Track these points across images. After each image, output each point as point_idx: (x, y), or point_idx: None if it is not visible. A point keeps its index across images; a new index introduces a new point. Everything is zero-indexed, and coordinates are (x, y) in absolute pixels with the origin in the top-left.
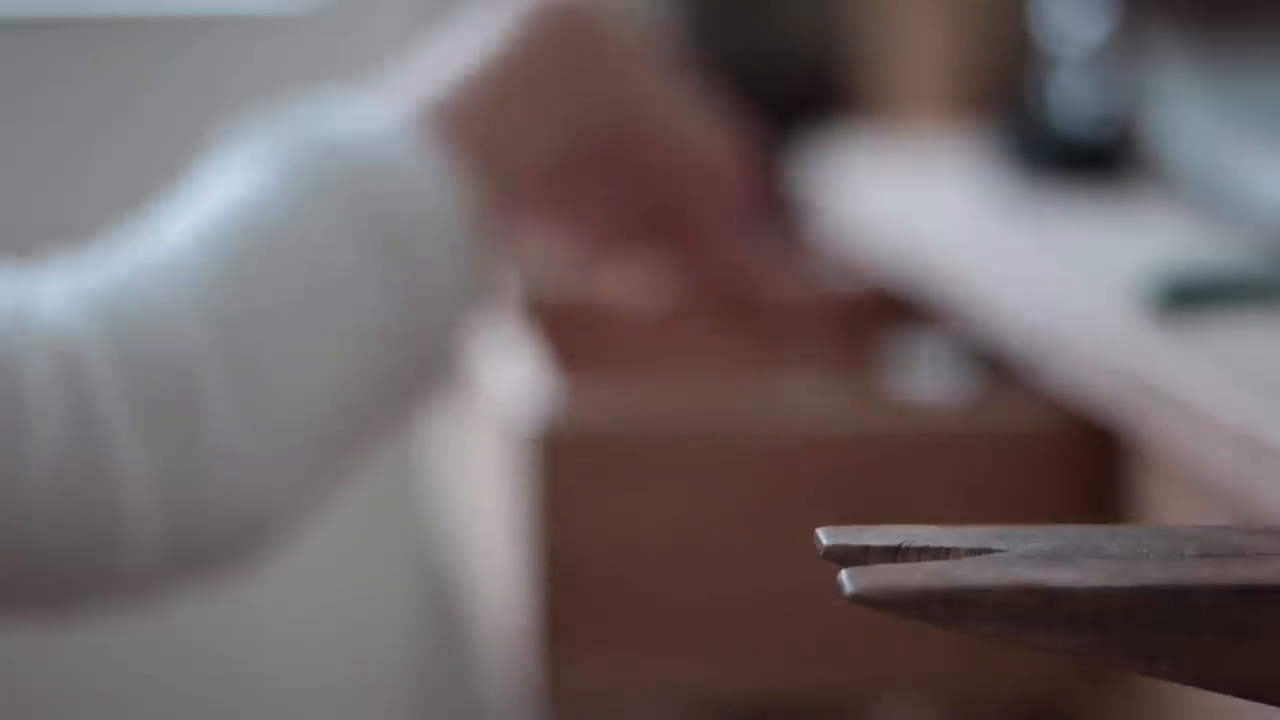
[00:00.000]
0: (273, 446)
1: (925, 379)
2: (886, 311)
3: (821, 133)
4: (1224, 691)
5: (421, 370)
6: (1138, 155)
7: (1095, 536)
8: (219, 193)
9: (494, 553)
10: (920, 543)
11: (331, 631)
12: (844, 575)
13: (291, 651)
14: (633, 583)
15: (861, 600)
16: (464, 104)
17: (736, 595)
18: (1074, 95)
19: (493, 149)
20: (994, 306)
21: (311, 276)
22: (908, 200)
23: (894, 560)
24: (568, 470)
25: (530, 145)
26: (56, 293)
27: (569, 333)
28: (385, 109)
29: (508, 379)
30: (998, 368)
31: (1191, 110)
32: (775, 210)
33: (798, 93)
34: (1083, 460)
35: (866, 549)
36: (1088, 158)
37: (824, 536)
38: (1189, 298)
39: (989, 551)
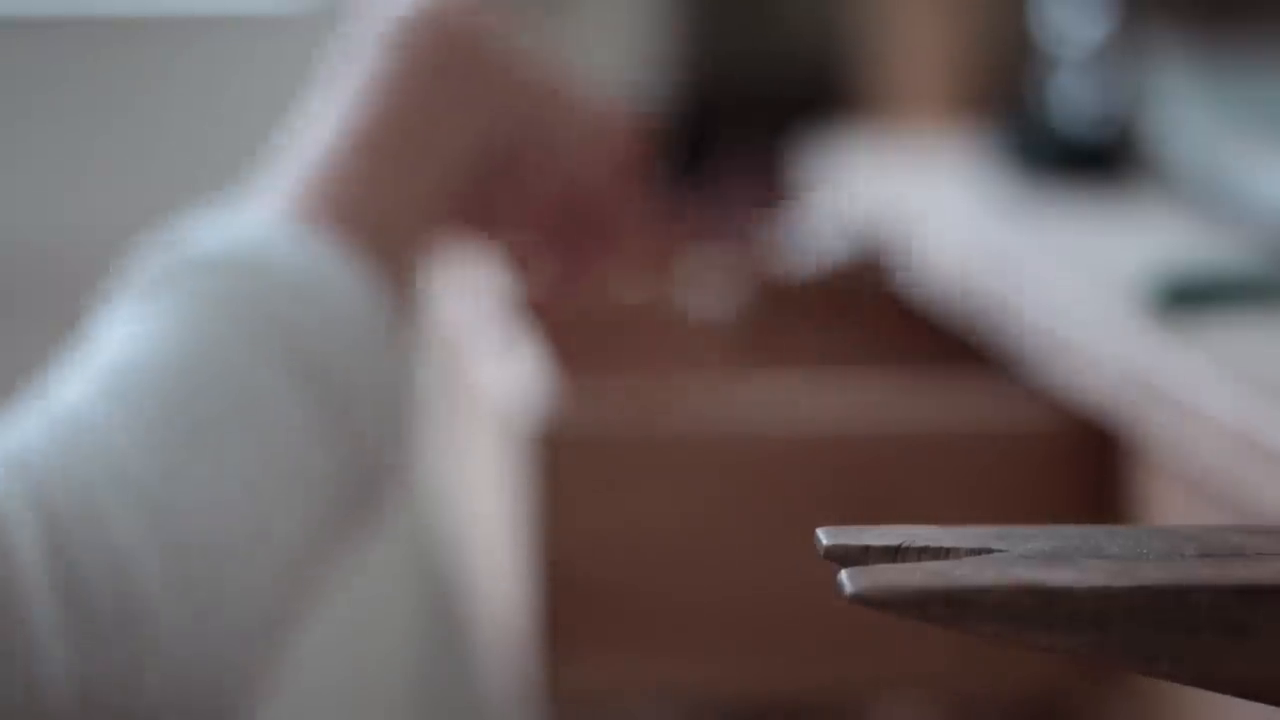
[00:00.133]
0: (216, 630)
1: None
2: (887, 311)
3: (821, 133)
4: (1224, 691)
5: (361, 494)
6: (1138, 155)
7: (1095, 536)
8: (123, 341)
9: (494, 553)
10: (920, 543)
11: (331, 631)
12: (844, 575)
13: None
14: (632, 583)
15: (861, 600)
16: (343, 178)
17: (736, 595)
18: (1074, 95)
19: (383, 219)
20: (994, 306)
21: (233, 419)
22: (908, 200)
23: (894, 560)
24: (567, 471)
25: (422, 192)
26: None
27: (568, 333)
28: (267, 211)
29: (508, 379)
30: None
31: (1191, 110)
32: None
33: (798, 93)
34: (1083, 460)
35: (866, 549)
36: (1088, 158)
37: (824, 536)
38: (1189, 298)
39: (989, 551)
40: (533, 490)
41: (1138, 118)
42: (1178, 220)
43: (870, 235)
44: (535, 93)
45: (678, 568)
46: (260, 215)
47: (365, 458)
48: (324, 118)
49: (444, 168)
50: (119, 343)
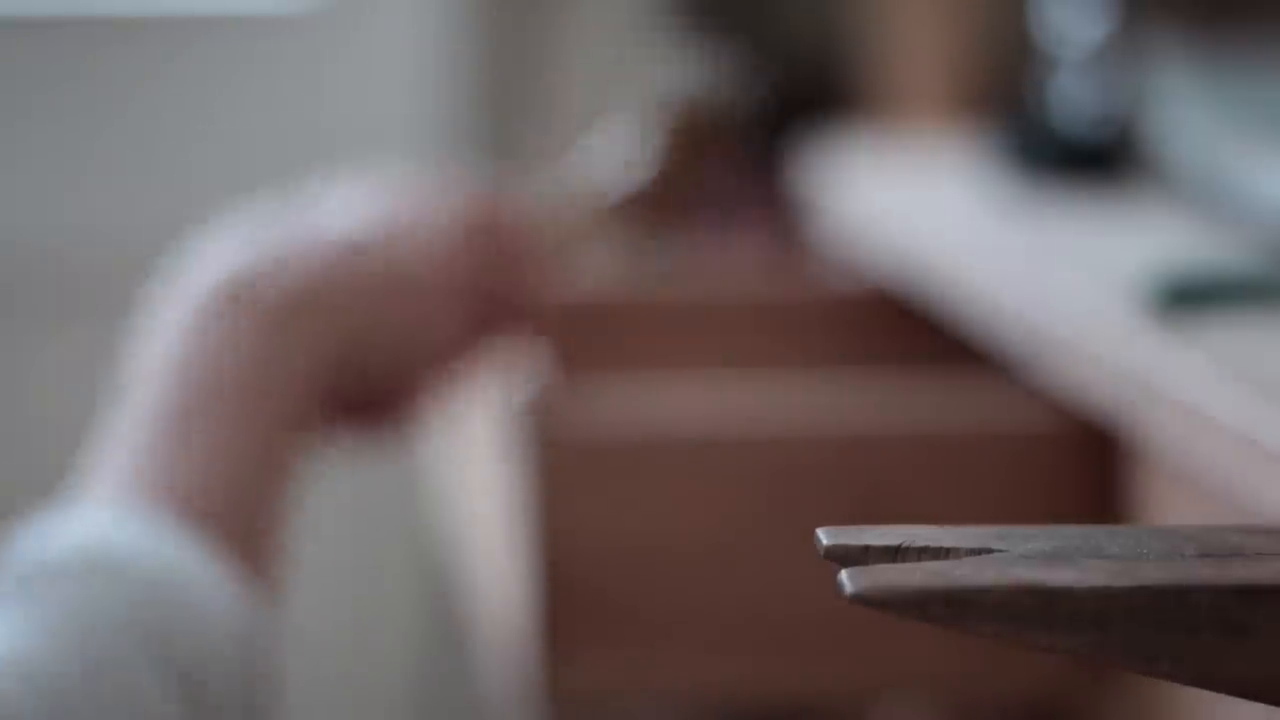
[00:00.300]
0: None
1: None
2: (886, 311)
3: (821, 133)
4: (1224, 691)
5: None
6: (1138, 155)
7: (1095, 536)
8: None
9: (494, 553)
10: (920, 543)
11: (331, 631)
12: (844, 575)
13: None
14: (631, 584)
15: (861, 600)
16: (175, 457)
17: (735, 596)
18: (1074, 95)
19: (223, 486)
20: (994, 306)
21: None
22: (908, 200)
23: (894, 560)
24: (567, 471)
25: (261, 448)
26: None
27: (569, 334)
28: (107, 504)
29: (508, 380)
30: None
31: (1191, 110)
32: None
33: (798, 93)
34: (1083, 460)
35: (866, 549)
36: (1088, 158)
37: (824, 536)
38: (1189, 298)
39: (989, 551)
40: (532, 491)
41: (1138, 118)
42: (1178, 220)
43: (870, 236)
44: (371, 300)
45: (677, 568)
46: (101, 510)
47: None
48: (144, 395)
49: (284, 414)
50: None
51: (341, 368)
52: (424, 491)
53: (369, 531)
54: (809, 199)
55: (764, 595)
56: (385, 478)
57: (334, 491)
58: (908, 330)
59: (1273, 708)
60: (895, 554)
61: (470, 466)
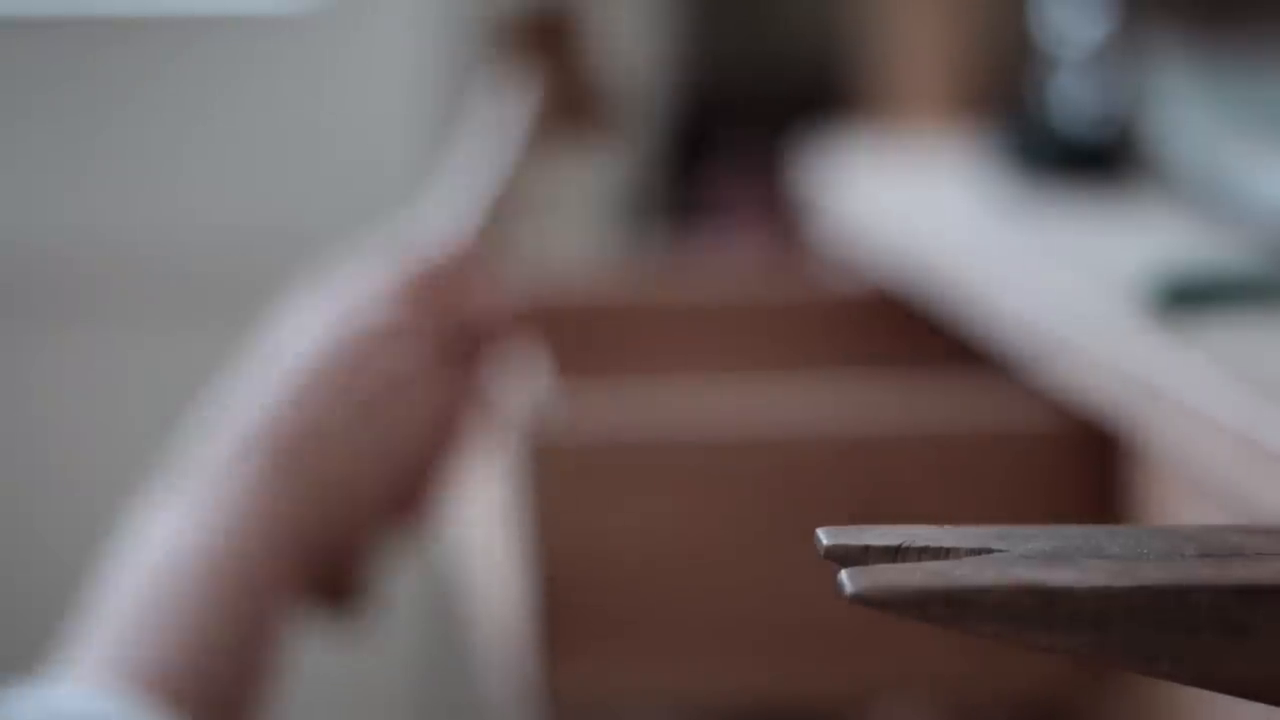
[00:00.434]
0: None
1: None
2: (887, 312)
3: (821, 133)
4: (1224, 691)
5: None
6: (1138, 155)
7: (1095, 536)
8: None
9: (494, 554)
10: (920, 543)
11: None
12: (844, 575)
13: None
14: (631, 585)
15: (861, 600)
16: (157, 639)
17: (734, 597)
18: (1074, 95)
19: (209, 669)
20: (994, 306)
21: None
22: (908, 200)
23: (894, 560)
24: (567, 474)
25: (245, 627)
26: None
27: (568, 337)
28: (90, 682)
29: (508, 383)
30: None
31: (1191, 110)
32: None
33: (798, 93)
34: (1083, 461)
35: (867, 549)
36: (1088, 158)
37: (824, 536)
38: (1189, 298)
39: (989, 551)
40: (532, 493)
41: (1138, 118)
42: (1178, 220)
43: (870, 236)
44: (359, 424)
45: (676, 571)
46: (83, 688)
47: None
48: (133, 574)
49: (268, 590)
50: None
51: (350, 495)
52: None
53: None
54: (809, 199)
55: (763, 597)
56: None
57: None
58: (908, 331)
59: (1273, 708)
60: (895, 554)
61: (470, 469)
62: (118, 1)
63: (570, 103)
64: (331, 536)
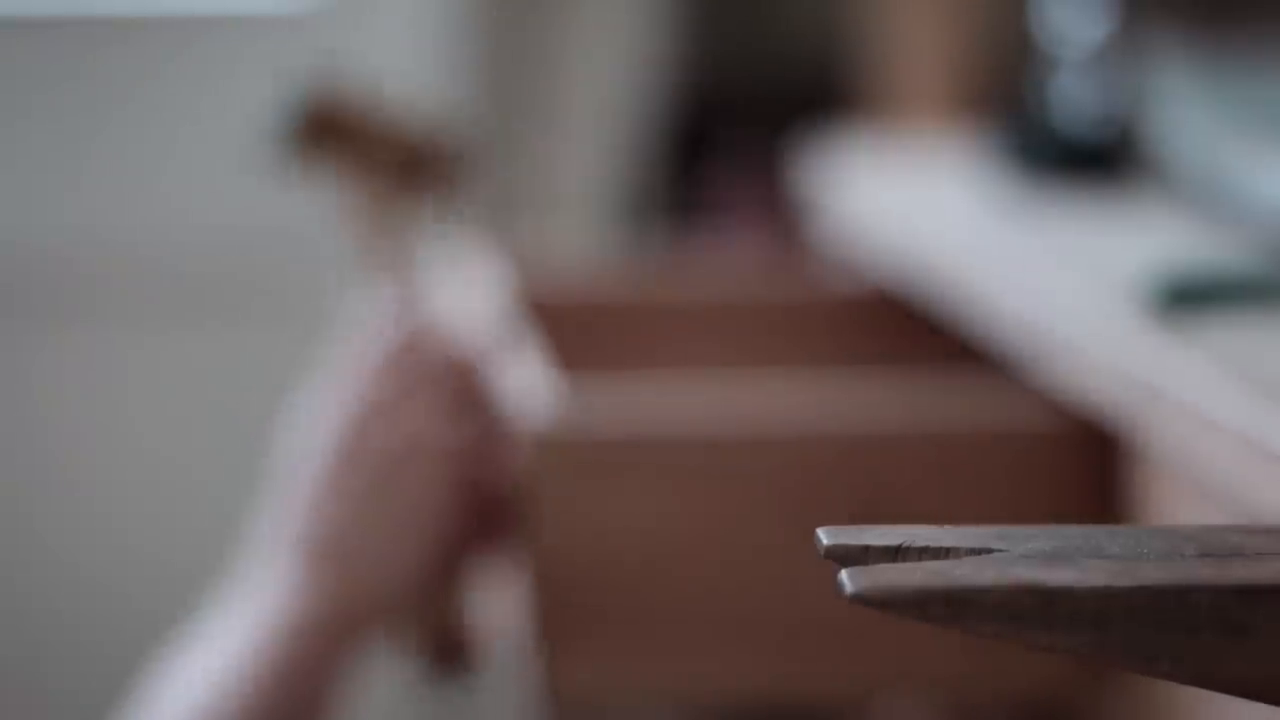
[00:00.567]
0: None
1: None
2: (887, 311)
3: (821, 133)
4: (1224, 691)
5: None
6: (1138, 155)
7: (1095, 536)
8: None
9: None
10: (920, 543)
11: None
12: (844, 575)
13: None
14: (632, 583)
15: (861, 600)
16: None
17: (737, 596)
18: (1074, 95)
19: None
20: (994, 306)
21: None
22: (908, 200)
23: (894, 560)
24: (567, 470)
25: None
26: None
27: (568, 335)
28: None
29: (510, 379)
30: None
31: (1191, 110)
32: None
33: (798, 93)
34: (1083, 460)
35: (867, 549)
36: (1088, 158)
37: (824, 536)
38: (1189, 298)
39: (989, 551)
40: (532, 490)
41: (1138, 118)
42: (1178, 220)
43: (870, 236)
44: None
45: (677, 568)
46: None
47: None
48: (190, 682)
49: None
50: None
51: (390, 564)
52: None
53: None
54: (809, 199)
55: (763, 595)
56: None
57: None
58: (908, 330)
59: (1273, 707)
60: (895, 554)
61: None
62: (118, 1)
63: (400, 167)
64: (383, 606)
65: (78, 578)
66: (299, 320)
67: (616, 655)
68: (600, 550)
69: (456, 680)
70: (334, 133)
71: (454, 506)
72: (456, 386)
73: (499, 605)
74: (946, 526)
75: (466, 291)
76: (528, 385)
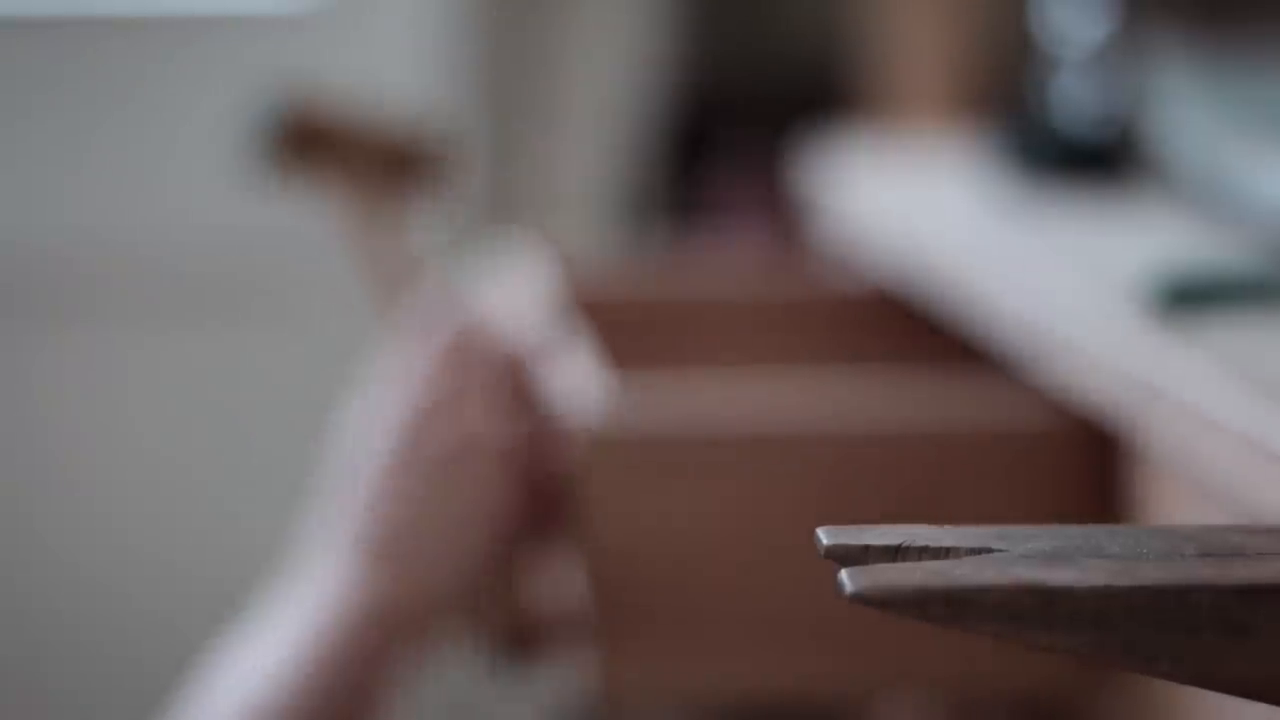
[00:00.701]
0: None
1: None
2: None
3: (821, 133)
4: (1224, 691)
5: None
6: (1138, 155)
7: (1095, 536)
8: None
9: None
10: (920, 542)
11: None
12: (844, 575)
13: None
14: (683, 581)
15: (861, 600)
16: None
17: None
18: (1075, 95)
19: None
20: (994, 306)
21: None
22: (908, 200)
23: (894, 560)
24: (619, 468)
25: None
26: None
27: (620, 331)
28: None
29: (562, 377)
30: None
31: (1191, 110)
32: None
33: (798, 93)
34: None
35: (867, 549)
36: (1088, 158)
37: (824, 536)
38: (1190, 297)
39: (989, 551)
40: (585, 488)
41: (1138, 118)
42: (1178, 220)
43: (870, 236)
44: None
45: (726, 565)
46: None
47: None
48: (244, 671)
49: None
50: None
51: (446, 560)
52: None
53: None
54: (809, 199)
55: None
56: None
57: None
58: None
59: (1273, 707)
60: (895, 554)
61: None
62: (118, 1)
63: (384, 168)
64: (439, 604)
65: (78, 578)
66: (299, 320)
67: (666, 653)
68: (651, 547)
69: (519, 673)
70: (314, 141)
71: (509, 504)
72: (509, 384)
73: (557, 599)
74: (946, 526)
75: (512, 289)
76: (578, 382)
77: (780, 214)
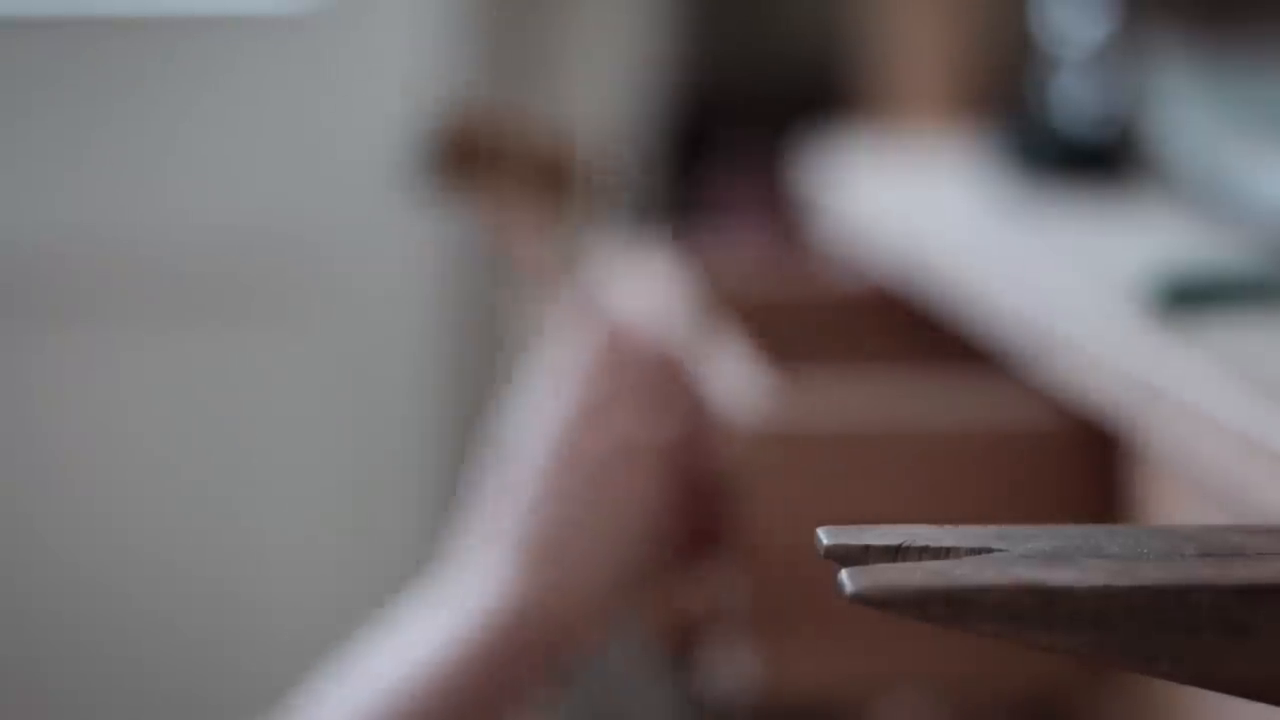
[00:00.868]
0: None
1: None
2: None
3: (822, 132)
4: (1224, 691)
5: None
6: (1138, 155)
7: (1095, 536)
8: None
9: None
10: (920, 542)
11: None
12: (844, 575)
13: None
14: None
15: (862, 600)
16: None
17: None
18: (1075, 95)
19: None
20: (994, 306)
21: None
22: (909, 200)
23: (894, 560)
24: (779, 463)
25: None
26: None
27: (770, 330)
28: None
29: (718, 376)
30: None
31: (1191, 110)
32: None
33: (798, 93)
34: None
35: (867, 548)
36: (1088, 158)
37: (824, 536)
38: (1190, 297)
39: (989, 551)
40: (744, 483)
41: (1138, 118)
42: (1178, 220)
43: (870, 236)
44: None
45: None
46: None
47: None
48: (393, 661)
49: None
50: None
51: (598, 567)
52: None
53: None
54: (810, 198)
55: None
56: None
57: None
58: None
59: (1273, 707)
60: (896, 554)
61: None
62: (118, 1)
63: (541, 179)
64: (596, 607)
65: (78, 578)
66: (299, 320)
67: (827, 650)
68: (810, 543)
69: (679, 671)
70: (473, 158)
71: (669, 504)
72: (662, 384)
73: (717, 596)
74: (946, 526)
75: (654, 290)
76: (732, 379)
77: (780, 214)
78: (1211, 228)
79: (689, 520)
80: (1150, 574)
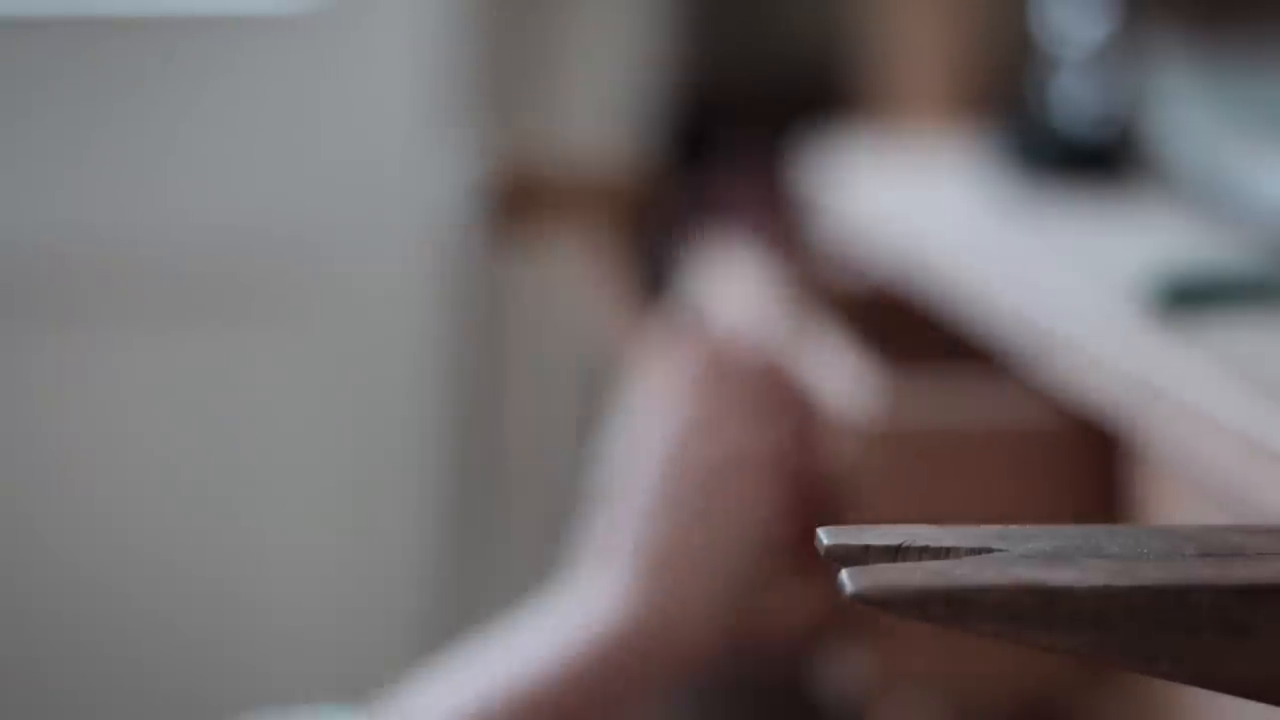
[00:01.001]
0: None
1: None
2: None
3: (821, 133)
4: (1224, 691)
5: None
6: (1138, 155)
7: (1095, 536)
8: None
9: None
10: (920, 542)
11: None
12: (844, 575)
13: None
14: None
15: (862, 600)
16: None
17: None
18: (1075, 95)
19: None
20: (994, 306)
21: None
22: (909, 200)
23: (894, 560)
24: (890, 462)
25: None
26: None
27: (878, 328)
28: None
29: (827, 374)
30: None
31: (1191, 110)
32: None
33: (798, 93)
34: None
35: (867, 549)
36: (1088, 158)
37: (824, 536)
38: (1190, 297)
39: (989, 551)
40: (856, 483)
41: (1138, 118)
42: (1178, 220)
43: (870, 236)
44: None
45: None
46: None
47: None
48: (504, 672)
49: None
50: None
51: (710, 581)
52: None
53: None
54: (810, 198)
55: None
56: None
57: None
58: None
59: (1273, 707)
60: (896, 554)
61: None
62: (118, 1)
63: (597, 213)
64: (709, 617)
65: (78, 578)
66: (299, 320)
67: (938, 649)
68: None
69: (793, 670)
70: (532, 201)
71: (780, 512)
72: (768, 392)
73: (828, 598)
74: (946, 526)
75: (743, 296)
76: (836, 380)
77: (781, 214)
78: (1211, 228)
79: (801, 525)
80: (1150, 574)
